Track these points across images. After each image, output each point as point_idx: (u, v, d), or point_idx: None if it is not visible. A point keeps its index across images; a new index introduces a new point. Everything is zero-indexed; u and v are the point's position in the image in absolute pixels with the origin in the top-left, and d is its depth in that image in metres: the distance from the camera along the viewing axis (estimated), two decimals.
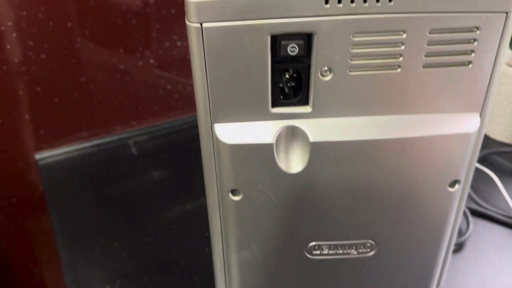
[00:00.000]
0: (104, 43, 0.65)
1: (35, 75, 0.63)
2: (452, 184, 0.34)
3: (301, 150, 0.32)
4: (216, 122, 0.32)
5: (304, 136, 0.31)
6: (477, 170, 0.62)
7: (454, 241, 0.38)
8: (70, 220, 0.57)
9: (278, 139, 0.31)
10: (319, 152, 0.31)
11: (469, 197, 0.56)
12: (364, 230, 0.36)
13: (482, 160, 0.63)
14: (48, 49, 0.62)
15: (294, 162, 0.32)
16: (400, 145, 0.31)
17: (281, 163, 0.32)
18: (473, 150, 0.33)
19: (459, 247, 0.51)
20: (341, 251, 0.37)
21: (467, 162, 0.33)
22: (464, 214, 0.54)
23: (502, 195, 0.58)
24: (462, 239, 0.51)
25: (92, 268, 0.50)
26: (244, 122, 0.32)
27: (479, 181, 0.60)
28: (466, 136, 0.32)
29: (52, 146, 0.69)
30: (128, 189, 0.62)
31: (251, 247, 0.36)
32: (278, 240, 0.36)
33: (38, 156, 0.68)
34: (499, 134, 0.68)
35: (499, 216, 0.54)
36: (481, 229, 0.54)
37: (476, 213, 0.55)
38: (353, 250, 0.37)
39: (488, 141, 0.68)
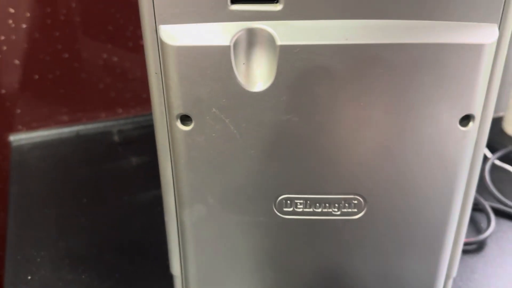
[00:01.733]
0: (91, 17, 0.60)
1: (14, 45, 0.59)
2: (464, 121, 0.26)
3: (266, 61, 0.25)
4: (162, 23, 0.25)
5: (270, 40, 0.25)
6: (499, 168, 0.54)
7: (469, 209, 0.30)
8: (28, 200, 0.50)
9: (237, 44, 0.25)
10: (291, 62, 0.25)
11: (492, 195, 0.48)
12: (350, 180, 0.28)
13: (504, 158, 0.55)
14: (30, 18, 0.58)
15: (257, 76, 0.25)
16: (395, 53, 0.24)
17: (241, 78, 0.25)
18: (490, 76, 0.26)
19: (479, 246, 0.42)
20: (319, 210, 0.29)
21: (482, 90, 0.26)
22: (485, 211, 0.45)
23: None
24: (482, 236, 0.42)
25: (39, 247, 0.43)
26: (196, 23, 0.25)
27: (502, 180, 0.51)
28: (479, 48, 0.24)
29: (30, 128, 0.63)
30: (101, 172, 0.55)
31: (206, 199, 0.29)
32: (239, 190, 0.28)
33: (12, 137, 0.63)
34: None
35: None
36: (505, 230, 0.45)
37: (499, 213, 0.46)
38: (335, 209, 0.29)
39: (509, 139, 0.60)
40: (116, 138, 0.64)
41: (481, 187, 0.49)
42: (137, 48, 0.65)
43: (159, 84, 0.27)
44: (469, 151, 0.27)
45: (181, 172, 0.28)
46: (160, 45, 0.25)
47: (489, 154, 0.55)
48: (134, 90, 0.66)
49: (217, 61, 0.25)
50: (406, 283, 0.31)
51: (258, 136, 0.27)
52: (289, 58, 0.24)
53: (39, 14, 0.58)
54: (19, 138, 0.63)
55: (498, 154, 0.54)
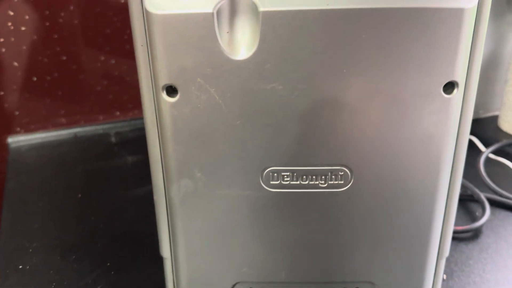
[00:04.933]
0: (89, 20, 0.61)
1: (13, 47, 0.60)
2: (449, 88, 0.26)
3: (249, 28, 0.25)
4: None
5: (252, 7, 0.25)
6: (494, 162, 0.53)
7: (459, 183, 0.29)
8: (23, 194, 0.50)
9: (220, 11, 0.25)
10: (273, 28, 0.25)
11: (487, 186, 0.48)
12: (336, 151, 0.28)
13: (498, 152, 0.54)
14: (29, 20, 0.59)
15: (240, 44, 0.26)
16: (376, 18, 0.24)
17: (225, 46, 0.25)
18: (473, 41, 0.26)
19: (475, 234, 0.42)
20: (306, 182, 0.29)
21: (464, 56, 0.26)
22: (480, 201, 0.45)
23: None
24: (477, 224, 0.42)
25: (31, 238, 0.43)
26: None
27: (497, 173, 0.51)
28: (459, 12, 0.24)
29: (28, 130, 0.64)
30: (97, 170, 0.56)
31: (193, 173, 0.29)
32: (226, 163, 0.28)
33: (10, 139, 0.63)
34: None
35: None
36: (501, 218, 0.44)
37: (495, 203, 0.46)
38: (322, 182, 0.29)
39: (504, 136, 0.60)
40: (113, 139, 0.64)
41: (476, 179, 0.49)
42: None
43: (145, 57, 0.27)
44: (454, 120, 0.27)
45: (168, 146, 0.29)
46: (146, 16, 0.26)
47: (483, 148, 0.55)
48: (131, 93, 0.67)
49: (201, 29, 0.25)
50: (396, 260, 0.31)
51: (243, 106, 0.27)
52: (271, 24, 0.25)
53: (37, 16, 0.59)
54: (17, 140, 0.63)
55: (492, 148, 0.53)
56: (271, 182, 0.29)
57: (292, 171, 0.28)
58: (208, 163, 0.28)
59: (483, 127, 0.63)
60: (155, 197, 0.32)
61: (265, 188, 0.29)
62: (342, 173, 0.28)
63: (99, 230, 0.44)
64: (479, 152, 0.54)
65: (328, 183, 0.29)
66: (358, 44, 0.25)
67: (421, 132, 0.27)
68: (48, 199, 0.49)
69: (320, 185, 0.29)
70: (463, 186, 0.47)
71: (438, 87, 0.26)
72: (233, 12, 0.25)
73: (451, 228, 0.32)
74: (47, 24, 0.60)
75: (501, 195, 0.46)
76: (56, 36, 0.61)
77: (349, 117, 0.27)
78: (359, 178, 0.28)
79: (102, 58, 0.64)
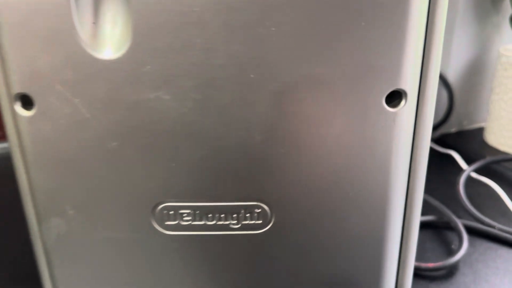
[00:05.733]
0: None
1: None
2: (393, 100, 0.20)
3: (119, 16, 0.19)
4: None
5: None
6: (477, 182, 0.46)
7: (417, 219, 0.23)
8: None
9: None
10: (151, 17, 0.18)
11: (467, 212, 0.41)
12: (249, 181, 0.21)
13: (482, 170, 0.47)
14: None
15: (108, 38, 0.19)
16: (292, 6, 0.18)
17: (88, 41, 0.19)
18: (427, 38, 0.19)
19: (450, 271, 0.35)
20: (212, 222, 0.22)
21: (414, 58, 0.19)
22: (457, 230, 0.38)
23: (508, 209, 0.42)
24: (452, 260, 0.35)
25: None
26: None
27: (480, 195, 0.44)
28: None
29: None
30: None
31: (64, 210, 0.22)
32: (104, 197, 0.22)
33: None
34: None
35: (506, 235, 0.38)
36: (481, 252, 0.37)
37: (475, 232, 0.39)
38: (234, 221, 0.22)
39: (490, 151, 0.53)
40: None
41: (455, 202, 0.42)
42: None
43: None
44: (404, 140, 0.20)
45: (31, 173, 0.22)
46: None
47: (464, 166, 0.48)
48: None
49: (54, 18, 0.18)
50: None
51: (119, 122, 0.20)
52: (148, 12, 0.18)
53: None
54: None
55: (475, 165, 0.47)
56: (167, 223, 0.22)
57: (193, 208, 0.21)
58: (82, 197, 0.22)
59: (467, 140, 0.56)
60: (31, 237, 0.25)
61: (159, 231, 0.22)
62: (259, 210, 0.21)
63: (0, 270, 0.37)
64: (460, 170, 0.47)
65: (241, 224, 0.22)
66: (267, 39, 0.18)
67: (361, 155, 0.20)
68: None
69: (231, 226, 0.22)
70: (438, 211, 0.40)
71: (378, 97, 0.19)
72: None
73: (409, 273, 0.25)
74: None
75: (482, 223, 0.39)
76: None
77: (265, 138, 0.20)
78: (282, 217, 0.21)
79: None
